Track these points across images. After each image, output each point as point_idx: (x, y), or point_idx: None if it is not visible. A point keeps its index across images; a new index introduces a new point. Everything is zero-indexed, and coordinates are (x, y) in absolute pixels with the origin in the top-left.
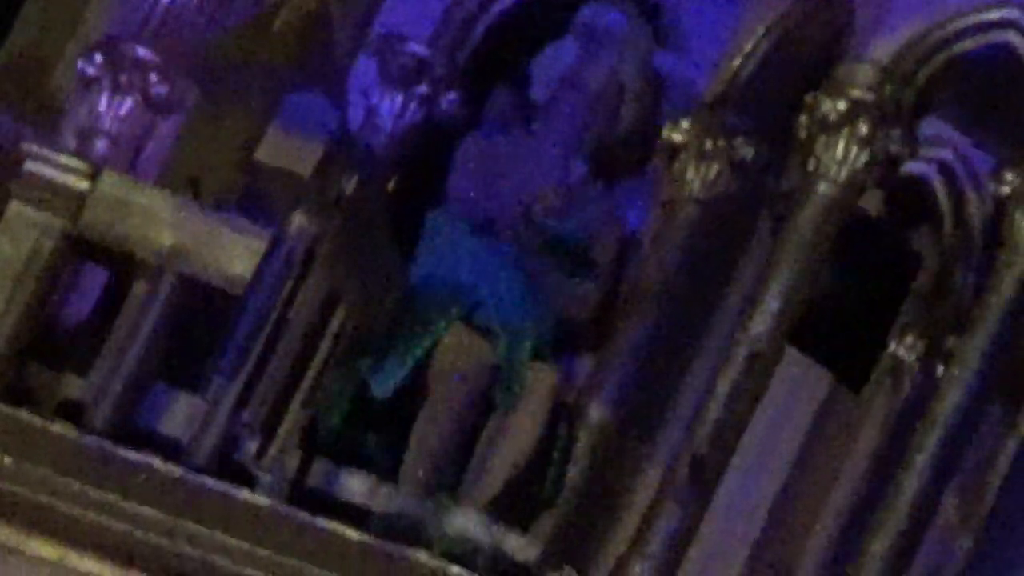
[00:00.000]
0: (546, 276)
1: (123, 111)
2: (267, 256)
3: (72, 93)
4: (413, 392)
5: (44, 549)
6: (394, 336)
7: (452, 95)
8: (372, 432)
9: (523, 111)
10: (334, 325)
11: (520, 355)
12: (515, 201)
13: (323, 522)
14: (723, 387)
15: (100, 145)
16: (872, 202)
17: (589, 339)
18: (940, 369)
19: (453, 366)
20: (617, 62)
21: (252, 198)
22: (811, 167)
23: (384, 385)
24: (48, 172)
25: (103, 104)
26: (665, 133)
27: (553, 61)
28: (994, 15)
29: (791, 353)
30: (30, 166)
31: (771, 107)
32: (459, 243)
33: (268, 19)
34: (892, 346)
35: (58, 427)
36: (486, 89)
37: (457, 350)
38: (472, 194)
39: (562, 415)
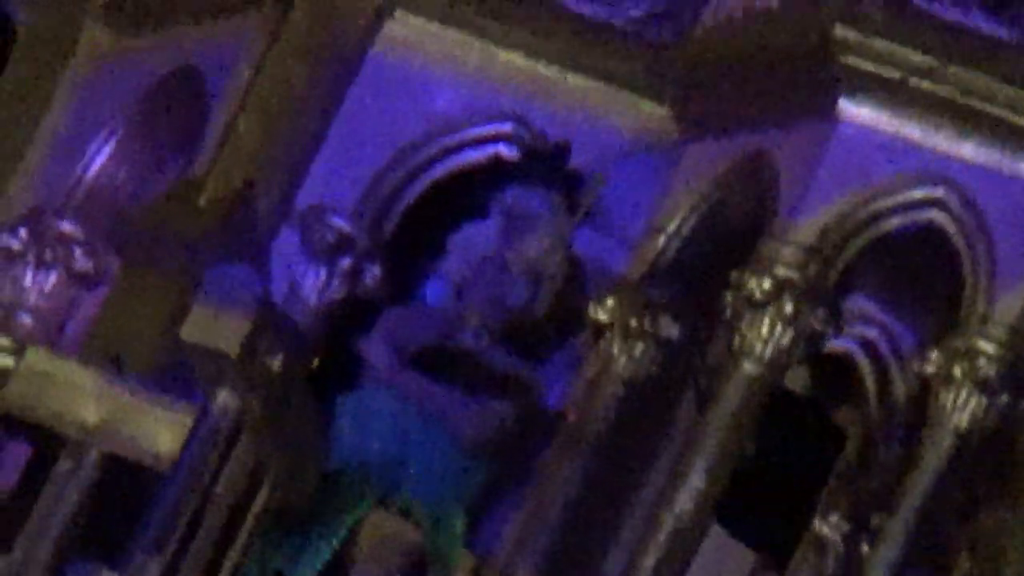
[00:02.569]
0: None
1: (47, 285)
2: (192, 432)
3: None
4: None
5: None
6: (309, 528)
7: (375, 269)
8: None
9: (444, 288)
10: (258, 503)
11: (451, 537)
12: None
13: None
14: (647, 563)
15: (24, 319)
16: (797, 379)
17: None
18: (865, 547)
19: (373, 550)
20: (537, 243)
21: (176, 372)
22: (736, 344)
23: None
24: None
25: (27, 279)
26: (591, 311)
27: (473, 238)
28: (918, 194)
29: (715, 530)
30: None
31: (696, 284)
32: (373, 423)
33: (192, 191)
34: (816, 524)
35: None
36: (408, 261)
37: (380, 532)
38: (388, 358)
39: None
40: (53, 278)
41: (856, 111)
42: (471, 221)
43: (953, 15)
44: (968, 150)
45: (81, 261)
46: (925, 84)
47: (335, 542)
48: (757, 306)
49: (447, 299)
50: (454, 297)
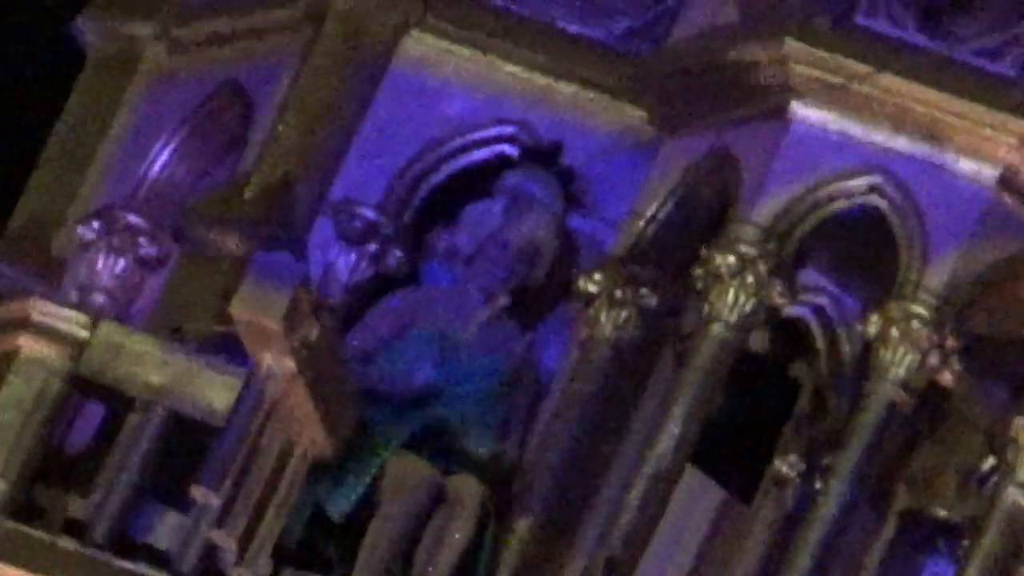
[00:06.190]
0: (469, 431)
1: (117, 269)
2: (243, 392)
3: (73, 254)
4: (364, 507)
5: None
6: (347, 464)
7: (398, 252)
8: (331, 541)
9: (452, 260)
10: (300, 451)
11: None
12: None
13: None
14: (633, 499)
15: (98, 298)
16: (758, 341)
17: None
18: (818, 483)
19: (398, 485)
20: (535, 224)
21: (228, 342)
22: (706, 312)
23: (340, 507)
24: (54, 322)
25: (100, 263)
26: (581, 283)
27: (481, 218)
28: (860, 182)
29: (690, 470)
30: (38, 317)
31: (672, 261)
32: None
33: (240, 186)
34: (776, 463)
35: (64, 542)
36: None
37: (401, 472)
38: (377, 343)
39: (489, 523)
40: (122, 263)
41: (806, 112)
42: (480, 203)
43: (887, 29)
44: (902, 144)
45: (146, 248)
46: (865, 89)
47: (367, 479)
48: (724, 279)
49: (457, 271)
50: (464, 267)
